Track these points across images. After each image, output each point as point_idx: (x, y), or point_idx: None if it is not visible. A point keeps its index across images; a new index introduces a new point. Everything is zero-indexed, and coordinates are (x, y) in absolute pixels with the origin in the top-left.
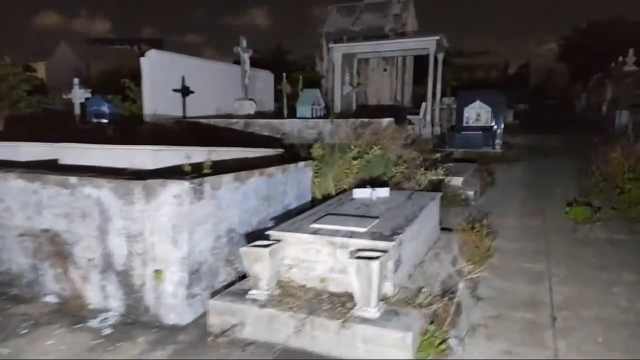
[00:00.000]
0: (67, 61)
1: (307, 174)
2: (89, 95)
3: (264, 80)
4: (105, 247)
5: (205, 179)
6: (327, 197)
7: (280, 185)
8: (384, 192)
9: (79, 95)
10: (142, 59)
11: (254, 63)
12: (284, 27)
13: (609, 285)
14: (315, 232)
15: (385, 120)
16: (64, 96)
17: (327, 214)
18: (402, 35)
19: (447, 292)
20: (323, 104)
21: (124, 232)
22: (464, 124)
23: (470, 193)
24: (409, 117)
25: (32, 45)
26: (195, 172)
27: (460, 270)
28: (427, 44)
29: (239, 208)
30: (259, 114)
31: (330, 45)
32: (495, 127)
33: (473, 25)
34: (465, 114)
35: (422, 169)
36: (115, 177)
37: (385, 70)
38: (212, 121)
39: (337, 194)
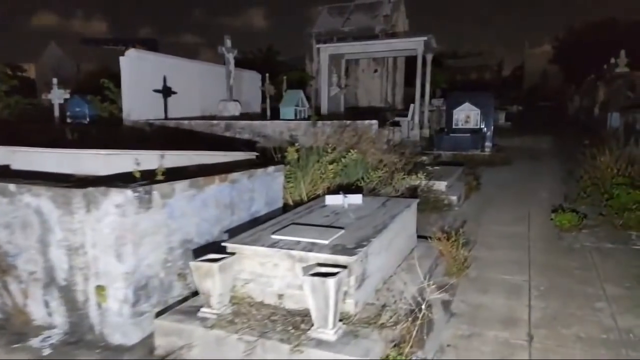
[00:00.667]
0: (57, 61)
1: (278, 180)
2: (67, 96)
3: (251, 81)
4: (46, 260)
5: (154, 186)
6: (299, 204)
7: (246, 191)
8: (356, 198)
9: (57, 95)
10: (121, 59)
11: (243, 64)
12: (281, 27)
13: (592, 300)
14: (273, 244)
15: (366, 123)
16: (43, 97)
17: (291, 224)
18: (393, 36)
19: (416, 309)
20: (307, 106)
21: (64, 244)
22: (453, 126)
23: (454, 198)
24: (397, 119)
25: (29, 45)
26: (147, 178)
27: (434, 283)
28: (415, 44)
29: (197, 217)
30: (244, 116)
31: (317, 45)
32: (485, 129)
33: (468, 27)
34: (455, 116)
35: (403, 173)
36: (54, 185)
37: (375, 71)
38: (192, 123)
39: (309, 200)
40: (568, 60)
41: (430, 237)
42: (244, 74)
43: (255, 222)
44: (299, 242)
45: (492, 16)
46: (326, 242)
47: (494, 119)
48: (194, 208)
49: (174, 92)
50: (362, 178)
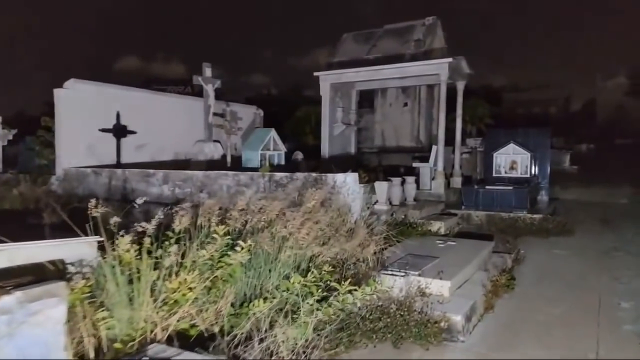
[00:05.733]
0: None
1: (42, 316)
2: (10, 137)
3: (248, 117)
4: None
5: None
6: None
7: None
8: None
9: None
10: (56, 92)
11: (261, 101)
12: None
13: None
14: None
15: (280, 175)
16: None
17: None
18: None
19: None
20: (283, 149)
21: None
22: (494, 174)
23: (458, 318)
24: (415, 164)
25: None
26: None
27: None
28: (437, 68)
29: None
30: (225, 160)
31: (315, 73)
32: (538, 179)
33: (531, 55)
34: (495, 161)
35: (346, 281)
36: None
37: (405, 104)
38: (127, 172)
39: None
40: None
41: None
42: (236, 109)
43: None
44: None
45: (558, 44)
46: None
47: (554, 164)
48: None
49: (132, 132)
50: (270, 292)
